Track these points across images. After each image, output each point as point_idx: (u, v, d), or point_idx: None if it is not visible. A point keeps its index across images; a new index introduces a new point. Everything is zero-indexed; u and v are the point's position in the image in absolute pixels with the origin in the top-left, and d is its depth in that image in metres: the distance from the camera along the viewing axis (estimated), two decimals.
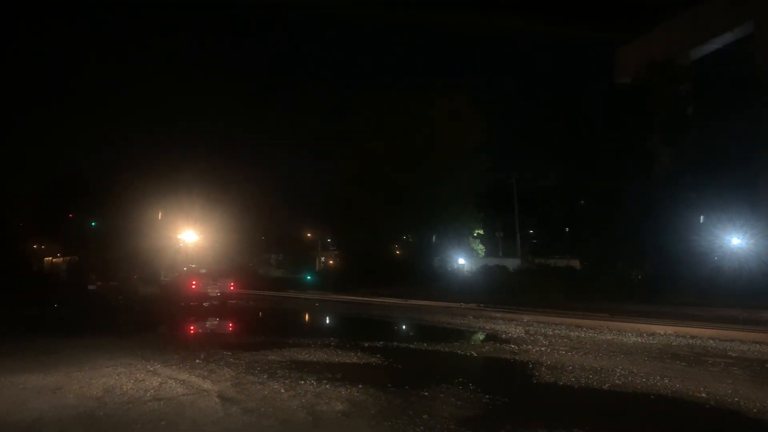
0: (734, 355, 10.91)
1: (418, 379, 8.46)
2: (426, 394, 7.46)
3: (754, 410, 6.73)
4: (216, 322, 19.11)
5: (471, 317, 19.32)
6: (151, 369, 9.02)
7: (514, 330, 15.04)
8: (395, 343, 12.67)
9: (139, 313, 22.35)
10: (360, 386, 7.73)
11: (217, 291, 25.10)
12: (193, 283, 24.84)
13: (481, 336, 14.53)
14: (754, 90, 29.25)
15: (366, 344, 12.00)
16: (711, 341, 12.64)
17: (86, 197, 49.79)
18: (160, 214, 39.11)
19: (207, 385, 7.92)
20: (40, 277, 45.72)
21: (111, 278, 34.93)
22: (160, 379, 8.22)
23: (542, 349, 11.51)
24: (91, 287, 34.38)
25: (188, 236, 35.43)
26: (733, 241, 27.70)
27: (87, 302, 27.99)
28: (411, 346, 12.52)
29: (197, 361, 9.84)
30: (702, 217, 28.66)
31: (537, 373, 9.02)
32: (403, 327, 18.26)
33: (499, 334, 14.41)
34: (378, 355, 10.68)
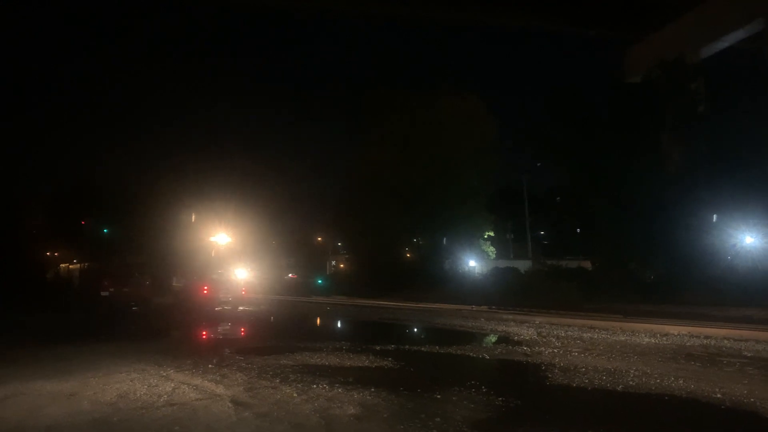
0: (749, 354, 10.81)
1: (431, 382, 8.45)
2: (439, 397, 7.45)
3: None
4: (228, 327, 19.17)
5: (483, 319, 19.27)
6: (164, 374, 9.06)
7: (527, 332, 14.99)
8: (407, 347, 12.66)
9: (151, 319, 22.45)
10: (372, 390, 7.73)
11: (229, 296, 25.17)
12: (205, 288, 24.94)
13: (493, 338, 14.48)
14: (765, 87, 29.05)
15: (378, 348, 12.00)
16: (725, 341, 12.54)
17: (101, 203, 50.02)
18: (193, 216, 39.10)
19: (220, 389, 7.95)
20: (54, 284, 46.01)
21: (124, 284, 35.10)
22: (173, 385, 8.26)
23: (555, 350, 11.46)
24: (103, 293, 34.57)
25: (221, 239, 35.69)
26: (747, 239, 27.46)
27: (100, 308, 28.15)
28: (423, 349, 12.50)
29: (210, 366, 9.87)
30: (715, 216, 28.43)
31: (550, 375, 8.98)
32: (415, 330, 18.23)
33: (511, 336, 14.36)
34: (390, 359, 10.67)
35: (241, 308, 25.53)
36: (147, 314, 24.49)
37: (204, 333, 17.70)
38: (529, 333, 14.70)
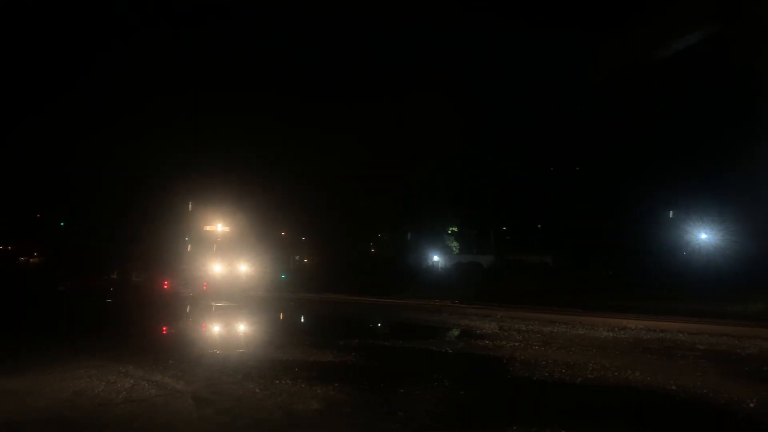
0: (702, 347, 11.13)
1: (394, 377, 8.48)
2: (402, 391, 7.48)
3: (722, 401, 6.88)
4: (189, 323, 18.90)
5: (446, 314, 19.40)
6: (123, 370, 8.88)
7: (489, 326, 15.14)
8: (371, 341, 12.67)
9: (110, 314, 21.99)
10: (336, 385, 7.72)
11: (190, 291, 24.84)
12: (165, 283, 24.56)
13: (456, 332, 14.60)
14: (722, 88, 29.90)
15: (341, 342, 11.98)
16: (680, 334, 12.87)
17: (64, 195, 48.79)
18: (190, 205, 37.87)
19: (180, 386, 7.84)
20: (6, 278, 44.71)
21: (82, 279, 34.31)
22: (132, 381, 8.11)
23: (516, 344, 11.62)
24: (60, 288, 33.73)
25: (214, 229, 34.95)
26: (702, 236, 28.30)
27: (55, 303, 27.44)
28: (387, 343, 12.53)
29: (170, 361, 9.71)
30: (671, 213, 29.20)
31: (511, 369, 9.10)
32: (379, 325, 18.27)
33: (473, 330, 14.49)
34: (354, 354, 10.67)
35: (202, 303, 25.18)
36: (105, 310, 23.97)
37: (165, 328, 17.42)
38: (491, 327, 14.86)
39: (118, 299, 27.32)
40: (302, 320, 21.16)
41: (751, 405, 6.66)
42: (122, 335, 15.00)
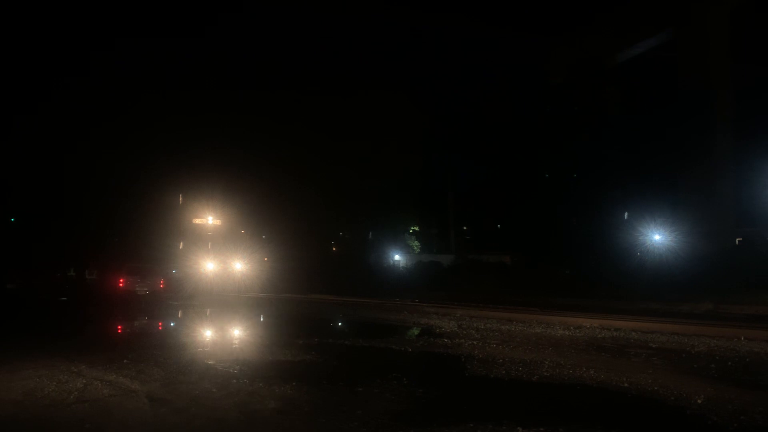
0: (655, 346, 11.42)
1: (353, 376, 8.48)
2: (361, 390, 7.48)
3: (672, 398, 7.07)
4: (145, 321, 18.55)
5: (406, 313, 19.47)
6: (76, 370, 8.66)
7: (448, 324, 15.26)
8: (331, 340, 12.64)
9: (62, 313, 21.42)
10: (294, 384, 7.68)
11: (146, 289, 24.37)
12: (121, 281, 24.05)
13: (415, 331, 14.67)
14: (675, 94, 30.76)
15: (301, 341, 11.92)
16: (634, 333, 13.18)
17: (16, 190, 47.15)
18: (180, 198, 36.66)
19: (135, 385, 7.68)
20: None
21: (33, 276, 33.34)
22: (84, 381, 7.91)
23: (474, 342, 11.73)
24: (8, 285, 32.70)
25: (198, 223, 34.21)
26: (655, 237, 29.08)
27: (3, 302, 26.60)
28: (346, 342, 12.52)
29: (125, 361, 9.51)
30: (626, 214, 29.92)
31: (469, 367, 9.19)
32: (339, 324, 18.24)
33: (433, 328, 14.58)
34: (313, 353, 10.63)
35: (158, 301, 24.75)
36: (57, 308, 23.34)
37: (119, 327, 17.05)
38: (450, 325, 14.98)
39: (70, 297, 26.64)
40: (260, 319, 20.97)
41: (699, 401, 6.87)
42: (75, 334, 14.63)
